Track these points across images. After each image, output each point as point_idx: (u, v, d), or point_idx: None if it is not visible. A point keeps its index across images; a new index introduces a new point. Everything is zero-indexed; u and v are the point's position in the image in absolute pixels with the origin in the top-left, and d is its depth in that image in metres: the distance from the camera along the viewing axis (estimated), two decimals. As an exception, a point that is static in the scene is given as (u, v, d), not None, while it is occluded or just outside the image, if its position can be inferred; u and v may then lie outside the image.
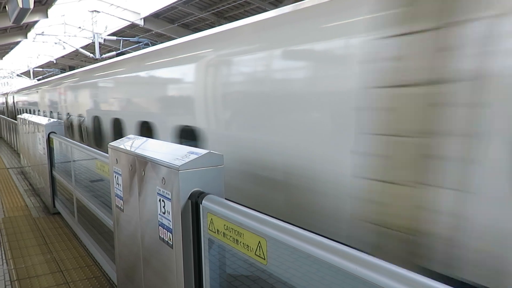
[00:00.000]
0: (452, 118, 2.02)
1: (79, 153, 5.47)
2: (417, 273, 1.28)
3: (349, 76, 2.56)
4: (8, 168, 11.55)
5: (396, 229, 2.28)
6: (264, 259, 1.81)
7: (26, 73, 47.08)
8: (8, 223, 6.32)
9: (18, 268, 4.61)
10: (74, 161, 5.65)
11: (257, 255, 1.85)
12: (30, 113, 15.23)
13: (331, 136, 2.72)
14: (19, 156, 11.58)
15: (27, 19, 17.77)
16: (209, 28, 4.99)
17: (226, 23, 4.89)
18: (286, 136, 3.06)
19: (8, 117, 20.43)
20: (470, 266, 1.99)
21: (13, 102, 21.63)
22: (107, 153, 3.54)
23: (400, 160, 2.25)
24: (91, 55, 23.82)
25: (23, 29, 28.38)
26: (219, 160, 2.46)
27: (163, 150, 2.87)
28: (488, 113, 1.90)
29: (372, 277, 1.32)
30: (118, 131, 6.38)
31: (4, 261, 4.81)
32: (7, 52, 39.41)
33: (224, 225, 2.07)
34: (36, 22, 24.87)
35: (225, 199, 2.31)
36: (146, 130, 5.38)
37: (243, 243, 1.93)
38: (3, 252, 5.09)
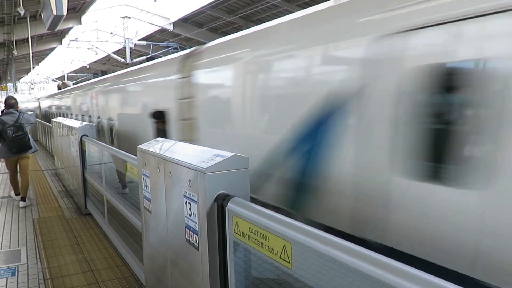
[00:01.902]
0: None
1: (110, 155, 5.59)
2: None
3: None
4: (43, 170, 11.96)
5: None
6: (289, 262, 1.79)
7: (61, 78, 48.69)
8: (42, 223, 6.53)
9: (51, 267, 4.74)
10: (105, 163, 5.78)
11: (282, 259, 1.83)
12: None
13: None
14: (53, 158, 11.97)
15: (61, 26, 18.38)
16: (237, 32, 4.81)
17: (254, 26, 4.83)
18: None
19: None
20: None
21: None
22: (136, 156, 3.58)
23: None
24: (122, 59, 24.40)
25: (58, 36, 29.42)
26: (244, 162, 2.45)
27: (190, 152, 2.89)
28: None
29: (402, 284, 1.28)
30: None
31: (38, 260, 4.97)
32: (43, 58, 40.92)
33: (249, 228, 2.06)
34: (70, 28, 25.75)
35: (250, 201, 2.30)
36: None
37: (268, 246, 1.92)
38: (37, 251, 5.26)
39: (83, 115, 11.75)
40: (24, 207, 7.57)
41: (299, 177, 3.23)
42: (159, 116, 5.89)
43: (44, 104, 23.32)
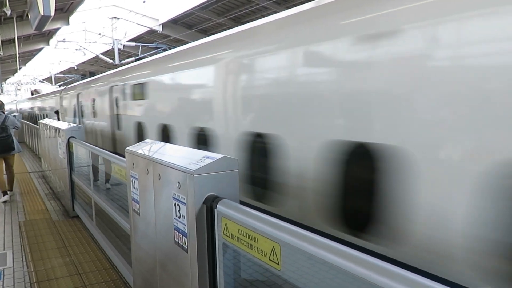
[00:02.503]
0: None
1: (97, 157, 5.54)
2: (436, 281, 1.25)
3: None
4: (29, 172, 11.80)
5: None
6: (278, 264, 1.80)
7: (48, 79, 48.12)
8: (29, 226, 6.44)
9: (37, 271, 4.68)
10: (92, 165, 5.73)
11: (271, 260, 1.83)
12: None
13: None
14: (40, 160, 11.82)
15: (49, 27, 18.26)
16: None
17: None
18: None
19: None
20: None
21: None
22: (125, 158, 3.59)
23: None
24: (111, 61, 24.22)
25: (46, 36, 29.06)
26: (233, 164, 2.45)
27: (179, 154, 2.89)
28: None
29: (387, 284, 1.29)
30: None
31: (24, 263, 4.90)
32: (30, 59, 40.38)
33: (238, 229, 2.06)
34: (58, 29, 25.46)
35: (240, 203, 2.30)
36: None
37: (257, 248, 1.92)
38: (23, 254, 5.19)
39: (38, 114, 21.71)
40: (5, 201, 8.00)
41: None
42: (57, 112, 15.92)
43: (19, 106, 32.89)
